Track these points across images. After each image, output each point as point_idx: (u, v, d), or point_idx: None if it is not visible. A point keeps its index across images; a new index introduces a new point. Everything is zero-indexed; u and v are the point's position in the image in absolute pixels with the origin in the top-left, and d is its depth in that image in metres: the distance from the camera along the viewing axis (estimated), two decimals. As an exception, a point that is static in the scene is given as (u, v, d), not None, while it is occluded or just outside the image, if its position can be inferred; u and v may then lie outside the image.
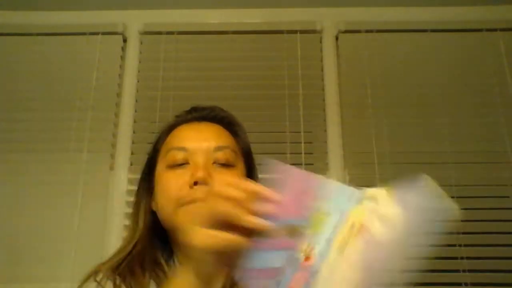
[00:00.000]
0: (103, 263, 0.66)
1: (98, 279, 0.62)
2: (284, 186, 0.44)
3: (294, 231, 0.42)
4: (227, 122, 0.74)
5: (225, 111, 0.76)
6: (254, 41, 1.72)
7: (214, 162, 0.67)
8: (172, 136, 0.72)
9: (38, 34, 1.71)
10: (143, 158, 0.77)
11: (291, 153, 1.55)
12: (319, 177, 0.45)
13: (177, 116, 0.77)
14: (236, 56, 1.70)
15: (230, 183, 0.45)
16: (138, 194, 0.74)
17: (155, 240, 0.69)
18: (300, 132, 1.58)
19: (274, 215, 0.42)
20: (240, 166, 0.70)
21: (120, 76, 1.68)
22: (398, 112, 1.60)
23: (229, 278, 0.57)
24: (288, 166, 0.45)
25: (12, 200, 1.50)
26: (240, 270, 0.43)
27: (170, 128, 0.74)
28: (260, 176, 0.74)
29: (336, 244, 0.41)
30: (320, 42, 1.71)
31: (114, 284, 0.61)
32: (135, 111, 1.64)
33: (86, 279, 0.64)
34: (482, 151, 1.55)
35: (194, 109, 0.76)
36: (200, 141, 0.68)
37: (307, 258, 0.41)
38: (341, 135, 1.60)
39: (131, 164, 1.56)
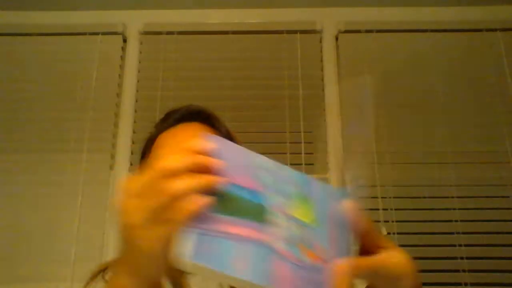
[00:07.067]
0: (112, 261, 0.65)
1: (107, 277, 0.62)
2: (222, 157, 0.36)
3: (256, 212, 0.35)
4: (204, 118, 0.72)
5: (198, 107, 0.73)
6: (254, 41, 1.71)
7: None
8: (152, 152, 0.71)
9: (38, 34, 1.71)
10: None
11: (291, 153, 1.55)
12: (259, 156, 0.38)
13: (155, 127, 0.76)
14: (236, 56, 1.70)
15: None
16: None
17: None
18: (300, 132, 1.58)
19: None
20: None
21: (120, 76, 1.68)
22: (398, 112, 1.60)
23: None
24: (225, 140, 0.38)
25: (12, 200, 1.50)
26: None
27: (151, 142, 0.74)
28: None
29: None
30: (320, 42, 1.71)
31: None
32: (135, 111, 1.64)
33: (94, 277, 0.63)
34: (482, 151, 1.55)
35: (167, 115, 0.75)
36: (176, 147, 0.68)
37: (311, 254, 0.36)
38: (341, 135, 1.60)
39: (131, 164, 1.56)
